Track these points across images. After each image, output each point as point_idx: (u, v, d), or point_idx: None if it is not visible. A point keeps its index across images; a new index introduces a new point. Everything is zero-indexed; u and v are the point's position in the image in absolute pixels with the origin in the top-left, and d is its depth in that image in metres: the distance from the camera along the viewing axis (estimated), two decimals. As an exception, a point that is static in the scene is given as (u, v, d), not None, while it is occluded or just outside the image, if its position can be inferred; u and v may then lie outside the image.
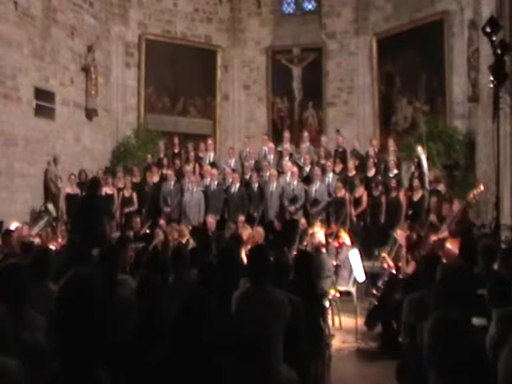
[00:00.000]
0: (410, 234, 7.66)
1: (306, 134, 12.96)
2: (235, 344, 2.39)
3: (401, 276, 6.94)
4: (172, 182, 11.54)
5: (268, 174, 11.48)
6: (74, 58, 12.22)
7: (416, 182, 10.06)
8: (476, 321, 3.35)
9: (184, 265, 4.96)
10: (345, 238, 9.03)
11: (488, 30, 7.12)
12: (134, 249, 7.75)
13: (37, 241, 8.29)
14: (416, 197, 9.99)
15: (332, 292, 7.43)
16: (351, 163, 11.36)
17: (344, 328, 7.60)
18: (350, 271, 7.86)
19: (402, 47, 12.96)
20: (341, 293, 7.90)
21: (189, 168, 11.71)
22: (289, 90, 14.98)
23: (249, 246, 7.74)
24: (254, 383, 2.32)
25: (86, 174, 11.65)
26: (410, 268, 6.66)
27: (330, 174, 11.26)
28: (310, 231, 8.94)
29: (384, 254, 7.48)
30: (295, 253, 7.58)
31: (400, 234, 7.77)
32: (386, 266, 7.43)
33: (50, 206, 10.71)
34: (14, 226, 8.72)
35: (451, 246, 6.88)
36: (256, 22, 15.43)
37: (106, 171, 12.36)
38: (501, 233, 7.41)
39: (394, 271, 7.21)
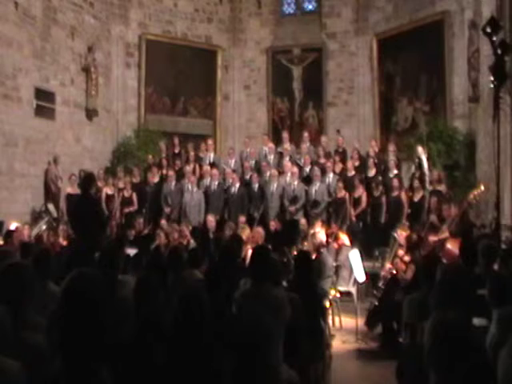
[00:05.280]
0: (410, 234, 7.66)
1: (306, 134, 12.94)
2: (235, 344, 2.39)
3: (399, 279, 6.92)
4: (173, 183, 11.52)
5: (268, 174, 11.47)
6: (75, 59, 12.23)
7: (416, 183, 10.06)
8: (476, 321, 3.35)
9: (181, 265, 4.94)
10: (343, 238, 9.04)
11: (488, 30, 7.09)
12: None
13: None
14: (416, 197, 10.00)
15: (332, 292, 7.43)
16: (350, 163, 11.35)
17: (344, 328, 7.61)
18: (351, 271, 7.86)
19: (402, 47, 12.96)
20: (341, 293, 7.90)
21: (189, 168, 11.71)
22: (289, 90, 14.97)
23: (249, 247, 7.75)
24: (254, 383, 2.32)
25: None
26: (409, 272, 6.64)
27: (330, 175, 11.26)
28: (312, 231, 8.94)
29: (389, 265, 7.43)
30: (295, 253, 7.57)
31: (400, 234, 7.77)
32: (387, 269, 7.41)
33: (51, 206, 10.71)
34: (13, 226, 8.72)
35: (451, 246, 6.89)
36: (256, 22, 15.43)
37: (106, 171, 12.36)
38: (501, 233, 7.39)
39: (394, 271, 7.20)
